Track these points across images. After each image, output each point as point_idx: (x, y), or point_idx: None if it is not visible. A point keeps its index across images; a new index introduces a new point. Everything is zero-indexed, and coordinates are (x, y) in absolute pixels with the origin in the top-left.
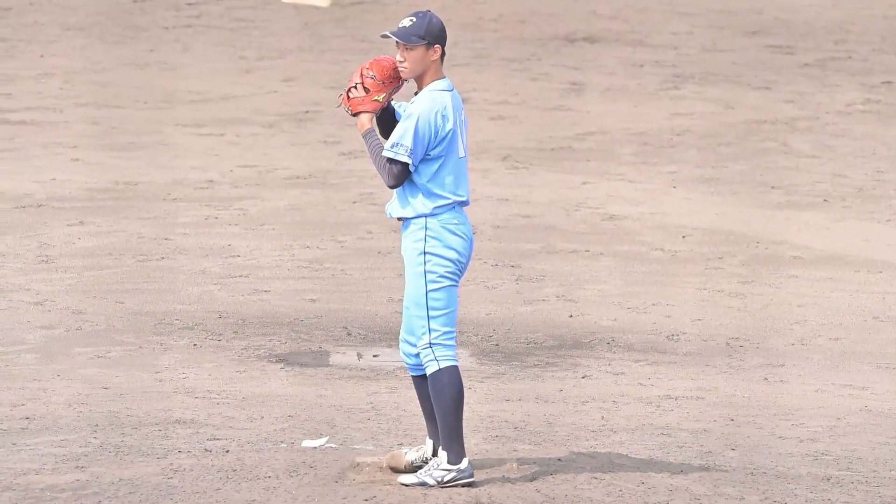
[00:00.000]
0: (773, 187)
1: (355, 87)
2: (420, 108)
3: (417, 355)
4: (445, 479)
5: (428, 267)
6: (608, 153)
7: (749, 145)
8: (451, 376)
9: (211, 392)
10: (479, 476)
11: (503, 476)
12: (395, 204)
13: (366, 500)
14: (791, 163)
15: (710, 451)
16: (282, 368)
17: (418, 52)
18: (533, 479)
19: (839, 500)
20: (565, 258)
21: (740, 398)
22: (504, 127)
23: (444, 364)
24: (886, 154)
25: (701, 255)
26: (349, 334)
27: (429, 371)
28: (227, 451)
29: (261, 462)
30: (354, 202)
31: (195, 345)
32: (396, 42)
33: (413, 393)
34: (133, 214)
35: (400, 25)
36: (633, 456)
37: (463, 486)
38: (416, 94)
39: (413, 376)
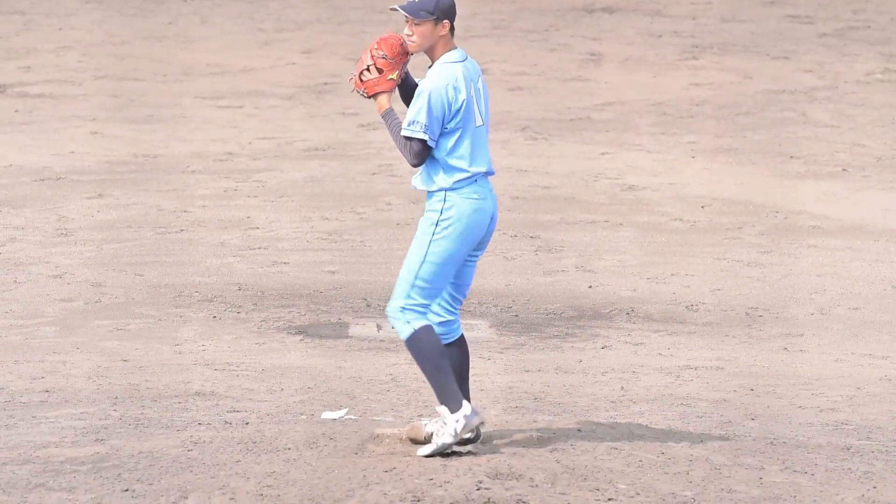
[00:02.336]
0: (792, 157)
1: (367, 70)
2: (431, 83)
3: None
4: (458, 430)
5: (434, 238)
6: (627, 124)
7: (768, 115)
8: (429, 334)
9: (230, 364)
10: (500, 448)
11: (523, 446)
12: (419, 176)
13: (385, 471)
14: (810, 132)
15: (730, 421)
16: (301, 340)
17: (426, 27)
18: (553, 449)
19: (859, 469)
20: (584, 229)
21: (760, 368)
22: (522, 98)
23: (417, 325)
24: None
25: (720, 225)
26: (368, 306)
27: (404, 335)
28: (247, 424)
29: (280, 434)
30: (373, 174)
31: (214, 317)
32: (405, 16)
33: None
34: (152, 187)
35: None
36: (652, 426)
37: (477, 425)
38: (429, 67)
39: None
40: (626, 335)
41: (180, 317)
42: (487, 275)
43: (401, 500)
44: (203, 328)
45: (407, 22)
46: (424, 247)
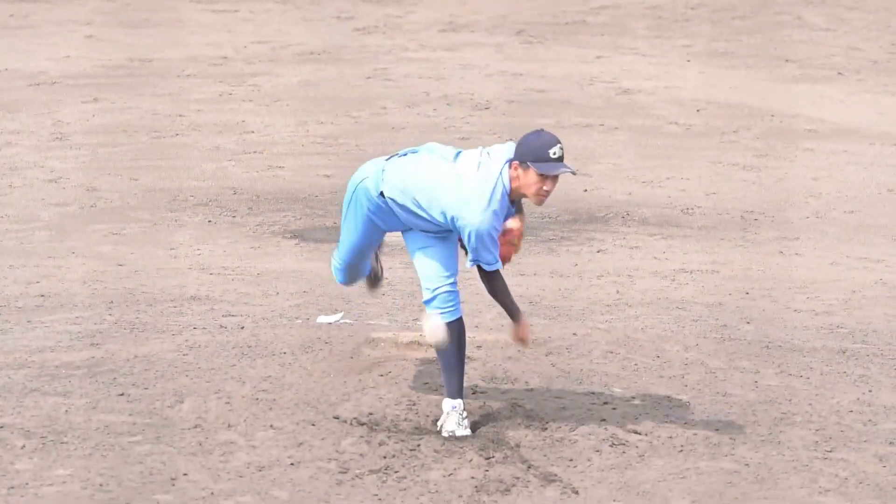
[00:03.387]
0: (787, 60)
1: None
2: None
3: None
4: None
5: None
6: (622, 27)
7: (763, 19)
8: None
9: (226, 268)
10: (494, 353)
11: (518, 351)
12: None
13: (381, 375)
14: (805, 36)
15: (726, 325)
16: (297, 244)
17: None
18: (548, 353)
19: (854, 372)
20: (580, 132)
21: (755, 271)
22: (518, 1)
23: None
24: None
25: (715, 128)
26: None
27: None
28: (242, 328)
29: (276, 338)
30: (368, 78)
31: (209, 221)
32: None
33: None
34: (147, 91)
35: (560, 153)
36: (648, 330)
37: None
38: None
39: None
40: (621, 239)
41: (175, 221)
42: None
43: (396, 404)
44: (198, 232)
45: (548, 178)
46: None
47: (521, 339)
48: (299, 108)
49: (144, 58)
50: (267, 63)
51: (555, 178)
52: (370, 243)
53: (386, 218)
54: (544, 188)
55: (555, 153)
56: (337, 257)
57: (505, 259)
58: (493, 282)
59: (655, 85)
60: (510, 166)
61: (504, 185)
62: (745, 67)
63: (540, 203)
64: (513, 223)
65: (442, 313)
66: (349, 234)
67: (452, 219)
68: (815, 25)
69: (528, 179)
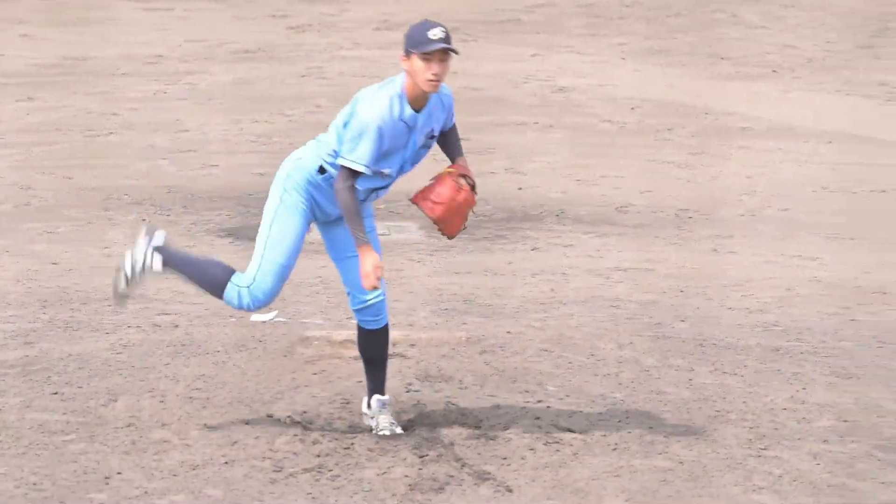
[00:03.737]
0: (722, 58)
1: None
2: (450, 91)
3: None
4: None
5: None
6: (557, 25)
7: (698, 17)
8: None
9: None
10: (428, 351)
11: (452, 349)
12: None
13: (315, 373)
14: (741, 34)
15: (660, 323)
16: (230, 243)
17: (449, 64)
18: (482, 351)
19: (788, 370)
20: (514, 130)
21: (690, 269)
22: None
23: None
24: (836, 24)
25: (650, 126)
26: None
27: (386, 321)
28: (177, 326)
29: (210, 337)
30: (302, 76)
31: (144, 220)
32: (440, 52)
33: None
34: (81, 90)
35: (441, 35)
36: (582, 328)
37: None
38: (428, 101)
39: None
40: (555, 237)
41: (109, 220)
42: (417, 178)
43: (330, 402)
44: (132, 231)
45: (433, 60)
46: None
47: (365, 276)
48: (233, 106)
49: (79, 56)
50: (201, 61)
51: (441, 61)
52: (301, 240)
53: (322, 201)
54: (432, 72)
55: (434, 35)
56: (261, 267)
57: (440, 222)
58: (339, 192)
59: (590, 83)
60: (402, 63)
61: (398, 89)
62: (680, 65)
63: (433, 89)
64: (444, 190)
65: (369, 323)
66: (284, 230)
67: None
68: (751, 23)
69: (416, 67)
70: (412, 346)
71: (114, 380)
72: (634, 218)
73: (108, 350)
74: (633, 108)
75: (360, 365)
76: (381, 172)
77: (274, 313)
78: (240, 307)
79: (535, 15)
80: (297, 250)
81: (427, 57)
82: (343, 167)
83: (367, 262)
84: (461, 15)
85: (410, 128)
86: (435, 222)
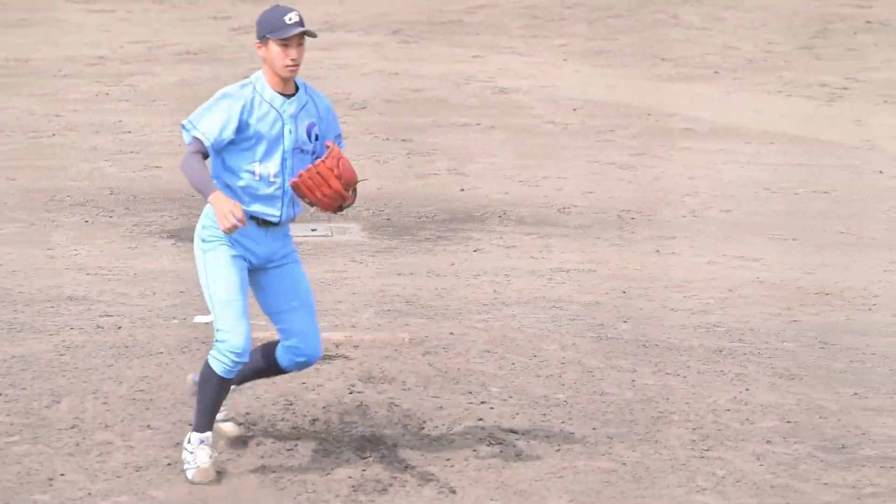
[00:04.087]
0: (663, 59)
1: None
2: (328, 100)
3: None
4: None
5: None
6: (498, 26)
7: (639, 17)
8: None
9: (102, 268)
10: (371, 353)
11: (395, 350)
12: (295, 206)
13: None
14: (681, 35)
15: (602, 324)
16: (173, 244)
17: (305, 48)
18: (425, 352)
19: (732, 371)
20: (456, 132)
21: (632, 270)
22: (394, 1)
23: None
24: (777, 25)
25: (592, 127)
26: None
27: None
28: (119, 328)
29: (153, 338)
30: (244, 77)
31: (87, 221)
32: (297, 37)
33: (306, 267)
34: (24, 91)
35: (296, 18)
36: (525, 329)
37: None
38: (297, 91)
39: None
40: (498, 238)
41: (52, 221)
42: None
43: (273, 404)
44: (75, 232)
45: (290, 45)
46: (306, 278)
47: (223, 217)
48: (176, 107)
49: (21, 57)
50: (144, 63)
51: (298, 45)
52: (242, 278)
53: (242, 240)
54: (290, 58)
55: (290, 19)
56: (218, 319)
57: (304, 191)
58: (183, 161)
59: (532, 84)
60: (257, 51)
61: (254, 76)
62: (622, 66)
63: (291, 74)
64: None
65: (293, 366)
66: (219, 276)
67: None
68: (691, 24)
69: (273, 54)
70: (355, 347)
71: (57, 381)
72: (577, 219)
73: (52, 352)
74: (574, 109)
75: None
76: (263, 169)
77: None
78: (231, 366)
79: (477, 16)
80: (242, 287)
81: (285, 42)
82: (193, 141)
83: (223, 204)
84: (404, 16)
85: (279, 112)
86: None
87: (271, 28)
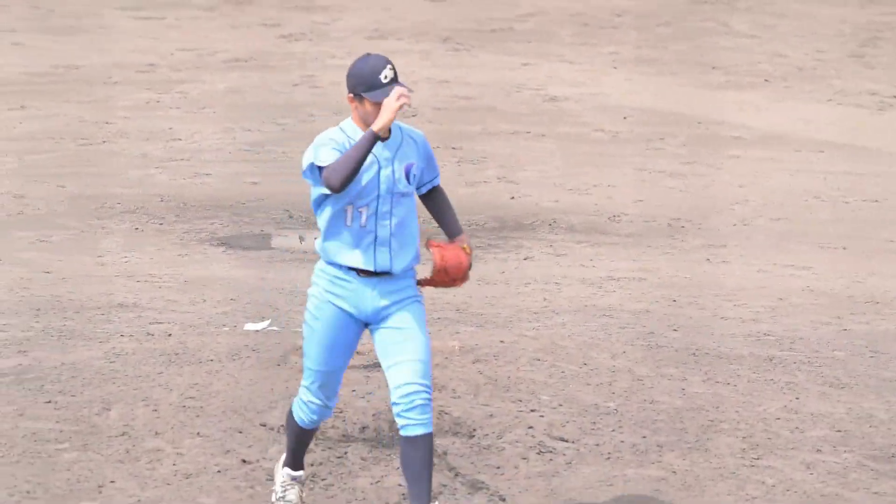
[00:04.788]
0: (713, 67)
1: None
2: (422, 134)
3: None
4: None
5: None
6: (548, 34)
7: (689, 25)
8: None
9: (153, 275)
10: None
11: (445, 358)
12: (404, 255)
13: None
14: (731, 42)
15: (653, 332)
16: (224, 251)
17: None
18: (475, 360)
19: (781, 380)
20: (506, 140)
21: (682, 279)
22: (444, 8)
23: None
24: (825, 33)
25: (641, 135)
26: (291, 217)
27: (431, 426)
28: (170, 335)
29: (203, 345)
30: (295, 85)
31: (137, 228)
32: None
33: None
34: (73, 98)
35: (391, 75)
36: (575, 337)
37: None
38: (389, 136)
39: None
40: (548, 246)
41: (102, 228)
42: None
43: None
44: (125, 239)
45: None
46: (425, 325)
47: (387, 106)
48: (226, 115)
49: (71, 64)
50: (193, 70)
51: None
52: (336, 344)
53: (347, 297)
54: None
55: (385, 77)
56: (305, 378)
57: (441, 270)
58: (327, 172)
59: (582, 92)
60: (349, 102)
61: (341, 128)
62: (671, 74)
63: (387, 135)
64: (454, 252)
65: (411, 426)
66: (313, 340)
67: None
68: (741, 32)
69: (366, 109)
70: None
71: (107, 388)
72: (627, 227)
73: (102, 359)
74: (624, 117)
75: (353, 374)
76: (356, 214)
77: (267, 322)
78: (308, 423)
79: (527, 24)
80: (341, 352)
81: (380, 103)
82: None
83: (383, 109)
84: (453, 23)
85: (375, 156)
86: (437, 269)
87: (365, 86)
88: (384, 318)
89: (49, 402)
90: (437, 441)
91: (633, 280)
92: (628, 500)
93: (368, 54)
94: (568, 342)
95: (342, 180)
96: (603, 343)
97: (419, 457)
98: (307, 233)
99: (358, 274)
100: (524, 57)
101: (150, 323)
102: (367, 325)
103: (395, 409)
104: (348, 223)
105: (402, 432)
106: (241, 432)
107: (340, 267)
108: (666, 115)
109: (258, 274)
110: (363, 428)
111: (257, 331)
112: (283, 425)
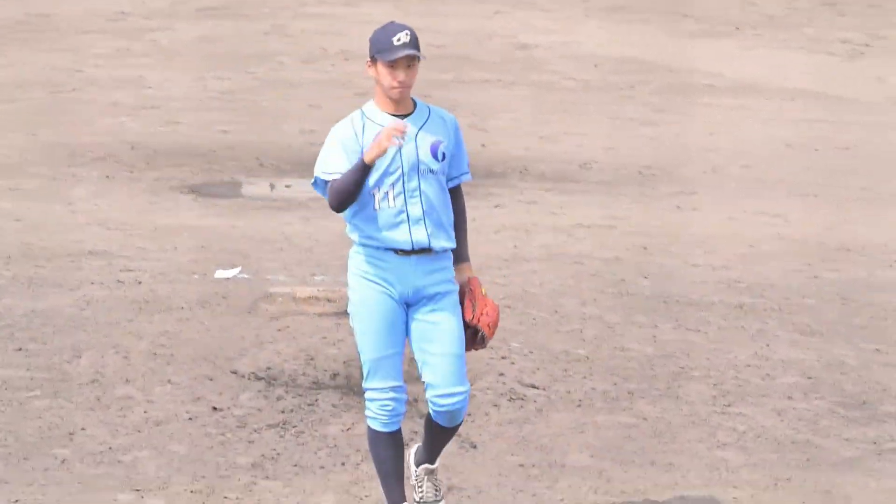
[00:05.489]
0: (684, 15)
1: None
2: (454, 117)
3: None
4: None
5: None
6: None
7: None
8: None
9: (123, 223)
10: None
11: None
12: (441, 233)
13: (279, 330)
14: None
15: (623, 280)
16: (194, 199)
17: (417, 69)
18: None
19: (752, 327)
20: (478, 88)
21: (653, 226)
22: None
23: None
24: None
25: (613, 84)
26: (261, 165)
27: (460, 418)
28: (140, 283)
29: (173, 293)
30: (266, 33)
31: (107, 176)
32: (406, 58)
33: (326, 223)
34: (44, 46)
35: (406, 39)
36: (545, 285)
37: None
38: (413, 111)
39: (390, 433)
40: (519, 194)
41: (73, 176)
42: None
43: (294, 359)
44: (96, 187)
45: (398, 67)
46: (460, 314)
47: (378, 143)
48: (197, 63)
49: (41, 13)
50: (165, 18)
51: (407, 67)
52: (389, 325)
53: (387, 276)
54: (397, 80)
55: (399, 39)
56: (364, 368)
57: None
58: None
59: (553, 40)
60: (368, 69)
61: (363, 111)
62: (643, 22)
63: (399, 97)
64: (490, 309)
65: (442, 420)
66: (364, 324)
67: None
68: None
69: (380, 75)
70: None
71: (78, 336)
72: (597, 175)
73: (72, 306)
74: (596, 66)
75: (325, 322)
76: (382, 194)
77: (237, 269)
78: (388, 419)
79: None
80: (392, 336)
81: (392, 64)
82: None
83: (376, 141)
84: None
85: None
86: (485, 337)
87: (379, 48)
88: (421, 304)
89: (19, 349)
90: (408, 388)
91: (603, 228)
92: (599, 446)
93: (392, 22)
94: (538, 290)
95: (339, 205)
96: (573, 290)
97: (443, 436)
98: (278, 181)
99: (396, 253)
100: (496, 5)
101: (120, 270)
102: (407, 307)
103: (430, 407)
104: (377, 206)
105: (433, 417)
106: (211, 380)
107: (377, 248)
108: (638, 63)
109: (229, 222)
110: (334, 375)
111: (228, 278)
112: (253, 373)
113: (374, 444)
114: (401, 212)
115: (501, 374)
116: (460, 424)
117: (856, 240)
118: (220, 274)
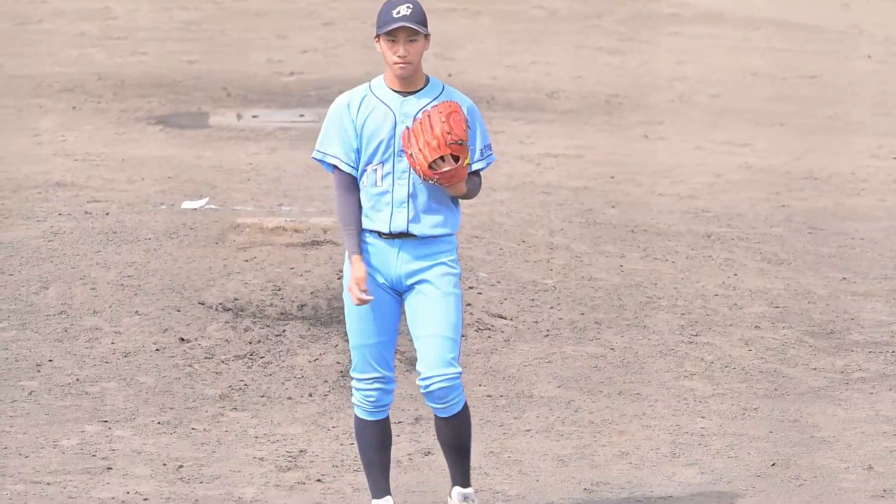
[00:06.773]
0: None
1: (441, 159)
2: (469, 101)
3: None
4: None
5: (459, 291)
6: None
7: None
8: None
9: (90, 154)
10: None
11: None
12: (428, 218)
13: (246, 260)
14: None
15: (591, 209)
16: (161, 130)
17: (421, 44)
18: None
19: (720, 256)
20: (443, 17)
21: (620, 156)
22: None
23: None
24: None
25: (579, 12)
26: (228, 95)
27: (457, 408)
28: (107, 214)
29: (141, 224)
30: None
31: (74, 107)
32: (407, 31)
33: (294, 153)
34: None
35: (405, 12)
36: (513, 214)
37: None
38: (421, 88)
39: (375, 421)
40: (486, 123)
41: (40, 107)
42: (342, 64)
43: (261, 290)
44: (63, 118)
45: (398, 41)
46: (459, 301)
47: (349, 290)
48: None
49: None
50: None
51: (408, 41)
52: (375, 314)
53: (373, 262)
54: (398, 54)
55: (398, 12)
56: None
57: (408, 138)
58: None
59: None
60: (376, 46)
61: (369, 86)
62: None
63: (402, 74)
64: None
65: (437, 409)
66: (351, 312)
67: None
68: None
69: (384, 50)
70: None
71: (45, 267)
72: (564, 104)
73: (40, 238)
74: None
75: (293, 252)
76: (373, 173)
77: (205, 200)
78: (370, 407)
79: None
80: (379, 324)
81: (391, 37)
82: (333, 170)
83: (351, 274)
84: None
85: (390, 109)
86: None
87: (380, 22)
88: (413, 287)
89: None
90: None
91: (570, 157)
92: (567, 376)
93: None
94: (506, 219)
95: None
96: (541, 220)
97: (449, 431)
98: (245, 111)
99: (379, 236)
100: None
101: (87, 202)
102: (400, 295)
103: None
104: (366, 183)
105: (427, 402)
106: (178, 310)
107: (365, 230)
108: None
109: (196, 152)
110: (301, 306)
111: (195, 209)
112: (221, 303)
113: (359, 432)
114: (385, 192)
115: (469, 305)
116: (462, 417)
117: (822, 169)
118: (188, 204)
